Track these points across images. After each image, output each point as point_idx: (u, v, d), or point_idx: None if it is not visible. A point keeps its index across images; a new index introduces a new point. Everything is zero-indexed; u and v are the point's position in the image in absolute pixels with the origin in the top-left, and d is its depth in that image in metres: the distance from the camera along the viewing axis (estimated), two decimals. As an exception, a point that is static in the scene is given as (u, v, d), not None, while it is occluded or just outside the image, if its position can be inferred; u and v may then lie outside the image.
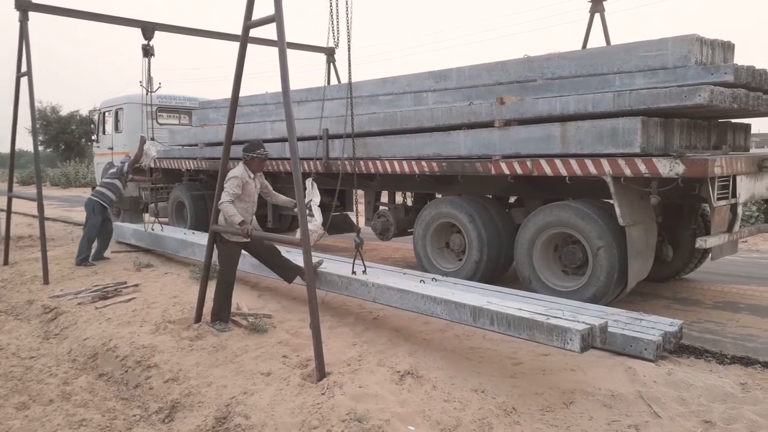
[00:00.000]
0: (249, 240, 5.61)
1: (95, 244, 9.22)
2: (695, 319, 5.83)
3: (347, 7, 5.44)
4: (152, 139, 9.99)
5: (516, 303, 4.69)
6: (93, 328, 5.94)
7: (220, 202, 5.49)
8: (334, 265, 6.21)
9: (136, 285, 7.44)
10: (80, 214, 16.41)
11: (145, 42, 9.74)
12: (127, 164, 9.44)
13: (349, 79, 5.73)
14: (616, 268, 5.52)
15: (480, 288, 5.82)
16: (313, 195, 5.89)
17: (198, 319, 5.76)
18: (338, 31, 5.67)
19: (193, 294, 6.30)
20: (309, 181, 5.85)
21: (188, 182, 11.33)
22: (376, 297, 5.40)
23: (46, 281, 7.98)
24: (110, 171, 9.46)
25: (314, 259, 5.26)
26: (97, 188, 9.24)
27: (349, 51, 5.47)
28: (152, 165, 10.31)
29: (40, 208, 8.52)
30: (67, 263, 8.92)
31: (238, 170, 5.65)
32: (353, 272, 5.68)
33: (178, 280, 7.62)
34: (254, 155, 5.66)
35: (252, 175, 5.72)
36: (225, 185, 5.54)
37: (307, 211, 5.71)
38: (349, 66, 5.56)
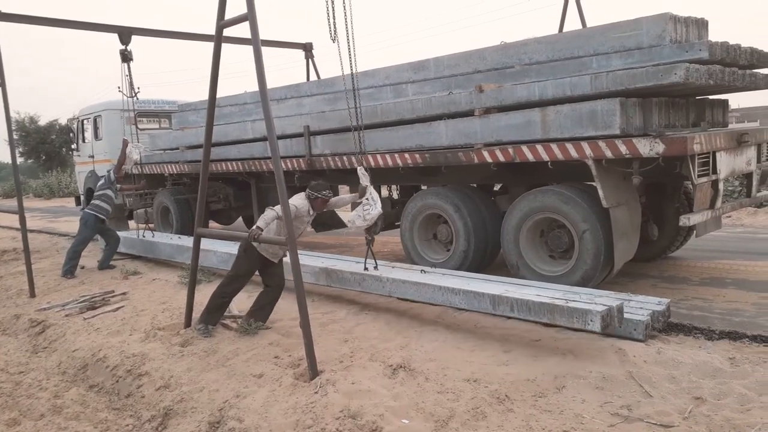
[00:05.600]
0: (276, 261, 5.58)
1: (102, 253, 9.35)
2: (683, 296, 5.88)
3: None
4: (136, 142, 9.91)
5: (528, 290, 4.93)
6: (82, 340, 5.89)
7: (270, 207, 5.30)
8: (343, 263, 6.39)
9: (124, 293, 7.39)
10: (64, 225, 16.29)
11: (123, 47, 9.61)
12: (113, 171, 9.39)
13: (352, 71, 5.66)
14: (602, 250, 5.54)
15: (467, 277, 5.82)
16: (367, 181, 5.79)
17: (188, 324, 5.72)
18: (335, 24, 5.54)
19: (181, 299, 6.26)
20: (361, 170, 5.78)
21: (172, 187, 11.24)
22: (391, 291, 5.61)
23: (32, 294, 7.91)
24: (99, 183, 9.40)
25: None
26: (93, 202, 9.18)
27: (349, 44, 5.44)
28: (135, 171, 10.23)
29: (22, 220, 8.40)
30: (53, 275, 8.83)
31: (300, 202, 5.46)
32: (365, 268, 5.89)
33: (167, 286, 7.57)
34: (319, 195, 5.53)
35: (311, 212, 5.59)
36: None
37: (367, 197, 5.70)
38: (351, 59, 5.54)
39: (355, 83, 5.80)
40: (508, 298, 4.67)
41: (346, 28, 5.45)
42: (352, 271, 6.01)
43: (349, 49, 5.51)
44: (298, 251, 5.06)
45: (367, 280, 5.82)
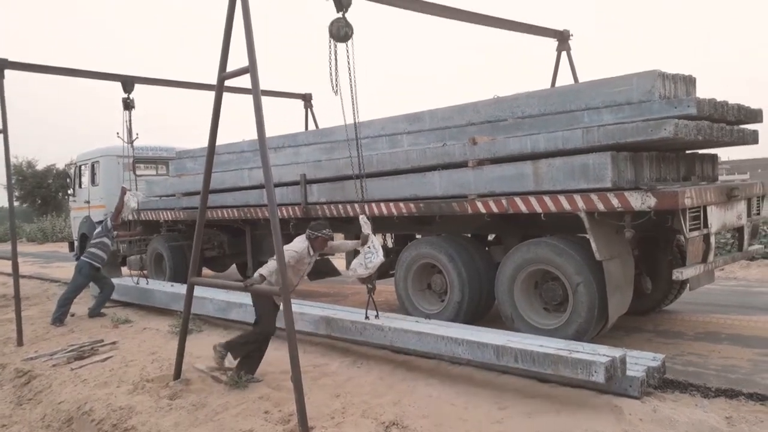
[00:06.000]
0: (279, 305, 5.45)
1: (94, 300, 9.27)
2: (678, 351, 5.82)
3: (348, 54, 5.46)
4: (134, 190, 9.93)
5: (530, 340, 4.93)
6: (68, 391, 5.76)
7: (273, 257, 5.24)
8: (343, 312, 6.40)
9: (114, 342, 7.27)
10: (57, 271, 16.14)
11: (125, 95, 9.74)
12: (110, 218, 9.40)
13: (355, 121, 5.74)
14: (596, 303, 5.51)
15: (468, 329, 5.76)
16: (369, 230, 5.88)
17: (177, 375, 5.61)
18: (337, 77, 5.60)
19: (172, 349, 6.15)
20: (363, 218, 5.87)
21: (166, 233, 11.23)
22: (393, 340, 5.55)
23: (20, 343, 7.77)
24: (96, 230, 9.41)
25: None
26: (88, 249, 9.16)
27: (353, 95, 5.52)
28: (131, 217, 10.22)
29: (15, 267, 8.33)
30: (43, 323, 8.70)
31: (300, 246, 5.49)
32: (366, 317, 5.85)
33: (157, 335, 7.47)
34: (319, 234, 5.57)
35: (312, 253, 5.61)
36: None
37: (369, 246, 5.77)
38: (354, 109, 5.62)
39: (357, 133, 5.86)
40: (512, 349, 4.64)
41: (350, 78, 5.50)
42: (353, 320, 5.97)
43: (352, 98, 5.54)
44: (294, 300, 5.02)
45: (369, 330, 5.78)
